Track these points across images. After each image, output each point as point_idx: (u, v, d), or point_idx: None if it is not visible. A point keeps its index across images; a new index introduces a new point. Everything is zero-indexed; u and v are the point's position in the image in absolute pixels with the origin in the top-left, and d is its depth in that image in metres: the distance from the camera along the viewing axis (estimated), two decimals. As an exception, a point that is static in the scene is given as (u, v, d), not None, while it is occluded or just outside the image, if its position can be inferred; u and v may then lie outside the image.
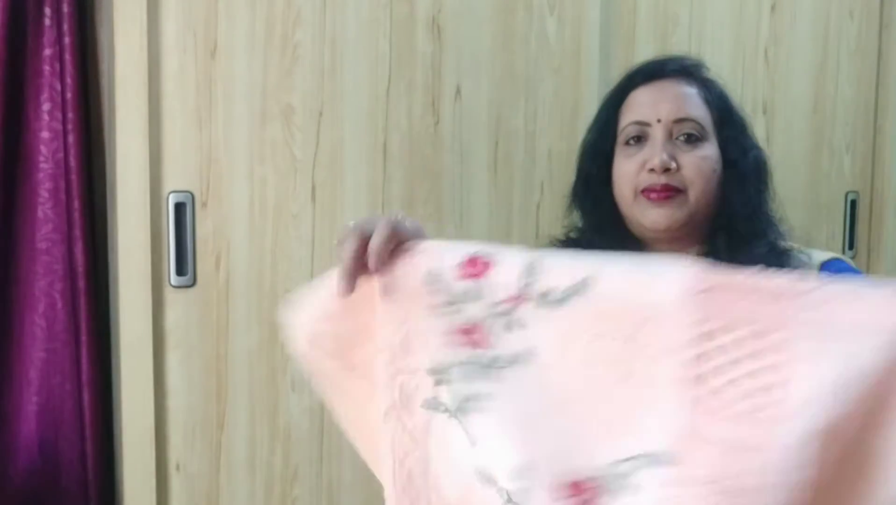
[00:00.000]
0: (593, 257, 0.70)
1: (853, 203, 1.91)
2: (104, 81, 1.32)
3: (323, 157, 1.38)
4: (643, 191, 0.98)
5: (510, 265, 0.70)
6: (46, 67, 1.25)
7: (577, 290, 0.67)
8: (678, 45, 1.65)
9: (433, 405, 0.71)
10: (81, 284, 1.28)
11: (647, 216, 0.97)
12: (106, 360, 1.33)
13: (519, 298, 0.69)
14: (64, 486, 1.30)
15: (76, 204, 1.27)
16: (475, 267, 0.70)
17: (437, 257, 0.72)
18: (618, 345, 0.65)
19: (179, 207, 1.30)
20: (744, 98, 1.74)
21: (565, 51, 1.54)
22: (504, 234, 1.51)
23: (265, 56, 1.33)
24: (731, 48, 1.72)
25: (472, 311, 0.70)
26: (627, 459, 0.63)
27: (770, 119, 1.78)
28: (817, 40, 1.83)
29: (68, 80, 1.25)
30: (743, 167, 1.00)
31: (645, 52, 1.58)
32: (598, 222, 1.04)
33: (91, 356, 1.29)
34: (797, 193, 1.81)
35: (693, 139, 0.97)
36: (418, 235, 0.76)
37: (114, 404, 1.34)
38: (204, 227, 1.32)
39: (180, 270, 1.31)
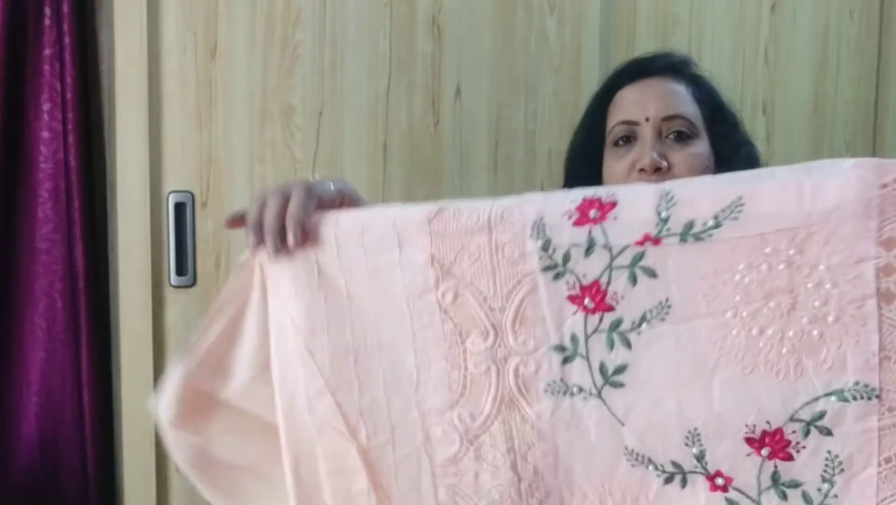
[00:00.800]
0: (744, 174, 0.62)
1: (853, 203, 1.90)
2: (104, 81, 1.32)
3: (323, 157, 1.38)
4: None
5: (640, 200, 0.61)
6: (46, 67, 1.25)
7: (728, 213, 0.58)
8: (678, 45, 1.65)
9: (561, 388, 0.64)
10: (81, 284, 1.28)
11: None
12: (106, 360, 1.33)
13: (653, 239, 0.60)
14: (64, 485, 1.30)
15: (76, 204, 1.27)
16: (596, 208, 0.61)
17: (538, 207, 0.63)
18: (779, 272, 0.57)
19: (179, 207, 1.30)
20: (744, 98, 1.74)
21: (565, 51, 1.54)
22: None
23: (265, 56, 1.33)
24: (731, 48, 1.72)
25: (587, 266, 0.62)
26: (817, 399, 0.57)
27: (770, 119, 1.78)
28: (817, 40, 1.83)
29: (68, 80, 1.25)
30: (735, 164, 0.97)
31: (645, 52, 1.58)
32: None
33: (91, 356, 1.29)
34: (797, 193, 1.81)
35: (683, 137, 0.95)
36: (347, 198, 0.74)
37: (114, 404, 1.34)
38: (204, 227, 1.32)
39: (180, 270, 1.31)
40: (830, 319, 0.56)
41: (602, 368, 0.62)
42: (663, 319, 0.60)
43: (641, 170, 0.93)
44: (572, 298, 0.62)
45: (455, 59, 1.45)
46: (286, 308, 0.70)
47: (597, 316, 0.61)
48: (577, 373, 0.63)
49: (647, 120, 0.95)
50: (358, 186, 1.39)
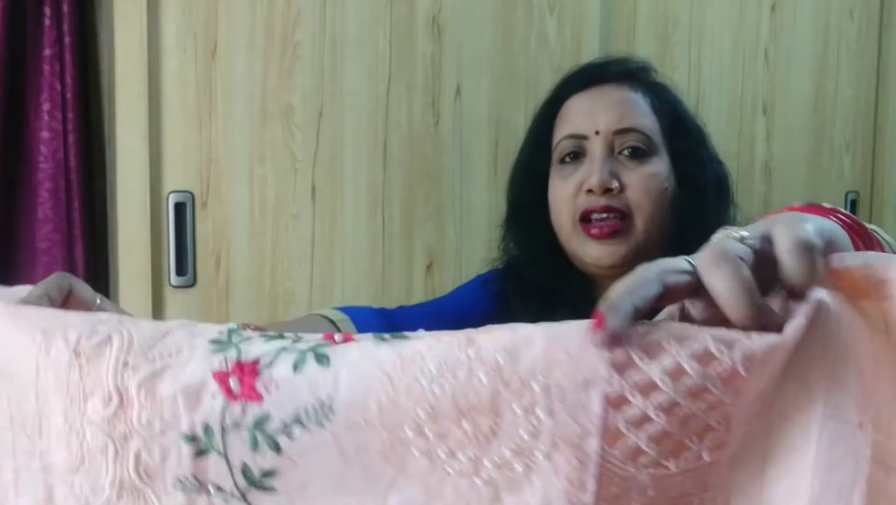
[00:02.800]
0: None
1: (853, 203, 1.91)
2: (104, 81, 1.32)
3: (323, 157, 1.38)
4: (582, 219, 0.83)
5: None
6: (46, 67, 1.25)
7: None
8: (678, 45, 1.65)
9: (194, 487, 0.50)
10: (81, 284, 1.28)
11: (588, 253, 0.83)
12: (106, 360, 1.33)
13: (343, 339, 0.50)
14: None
15: (76, 204, 1.27)
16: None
17: None
18: (480, 383, 0.45)
19: (179, 207, 1.30)
20: (744, 98, 1.74)
21: (565, 51, 1.54)
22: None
23: (265, 56, 1.33)
24: (731, 48, 1.72)
25: (260, 342, 0.51)
26: None
27: (770, 119, 1.78)
28: (817, 40, 1.83)
29: (68, 80, 1.25)
30: (700, 184, 0.85)
31: (645, 52, 1.58)
32: (535, 255, 0.90)
33: (91, 356, 1.29)
34: (797, 193, 1.81)
35: (639, 154, 0.83)
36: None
37: (114, 404, 1.34)
38: (204, 227, 1.32)
39: (180, 270, 1.31)
40: (539, 455, 0.44)
41: (245, 471, 0.49)
42: (322, 425, 0.47)
43: (589, 191, 0.82)
44: (219, 376, 0.49)
45: (455, 59, 1.45)
46: None
47: (238, 405, 0.48)
48: (215, 470, 0.50)
49: (596, 133, 0.83)
50: (358, 186, 1.40)
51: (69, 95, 1.25)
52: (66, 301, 0.59)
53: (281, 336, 0.51)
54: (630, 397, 0.41)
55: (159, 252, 1.30)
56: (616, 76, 0.88)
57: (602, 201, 0.81)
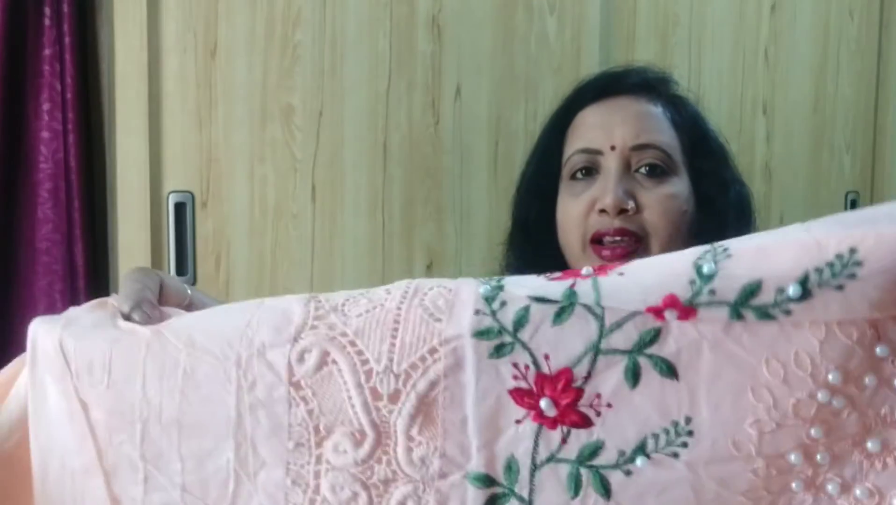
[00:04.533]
0: (852, 214, 0.37)
1: (853, 203, 1.91)
2: (104, 81, 1.32)
3: (323, 157, 1.38)
4: (593, 241, 0.76)
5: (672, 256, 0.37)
6: (46, 67, 1.25)
7: (830, 275, 0.35)
8: (678, 45, 1.65)
9: None
10: (81, 284, 1.28)
11: None
12: (106, 360, 1.33)
13: (682, 307, 0.37)
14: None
15: (76, 204, 1.27)
16: (593, 272, 0.40)
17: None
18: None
19: (179, 207, 1.30)
20: (744, 98, 1.74)
21: (565, 51, 1.54)
22: (505, 235, 1.51)
23: (265, 56, 1.33)
24: (731, 48, 1.72)
25: (556, 340, 0.38)
26: None
27: (770, 119, 1.78)
28: (817, 40, 1.83)
29: (68, 80, 1.25)
30: (721, 207, 0.79)
31: (645, 52, 1.58)
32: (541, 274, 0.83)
33: (91, 356, 1.29)
34: (797, 193, 1.81)
35: (657, 172, 0.76)
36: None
37: (114, 404, 1.34)
38: (204, 227, 1.32)
39: (180, 270, 1.31)
40: None
41: None
42: (676, 455, 0.36)
43: (602, 211, 0.75)
44: (520, 395, 0.38)
45: (455, 59, 1.45)
46: (55, 332, 0.47)
47: (558, 432, 0.38)
48: None
49: (612, 149, 0.76)
50: (358, 186, 1.40)
51: (69, 95, 1.25)
52: (159, 299, 0.51)
53: (567, 307, 0.36)
54: None
55: (159, 252, 1.30)
56: (634, 87, 0.81)
57: (616, 223, 0.74)
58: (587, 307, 0.37)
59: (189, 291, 0.55)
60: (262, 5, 1.32)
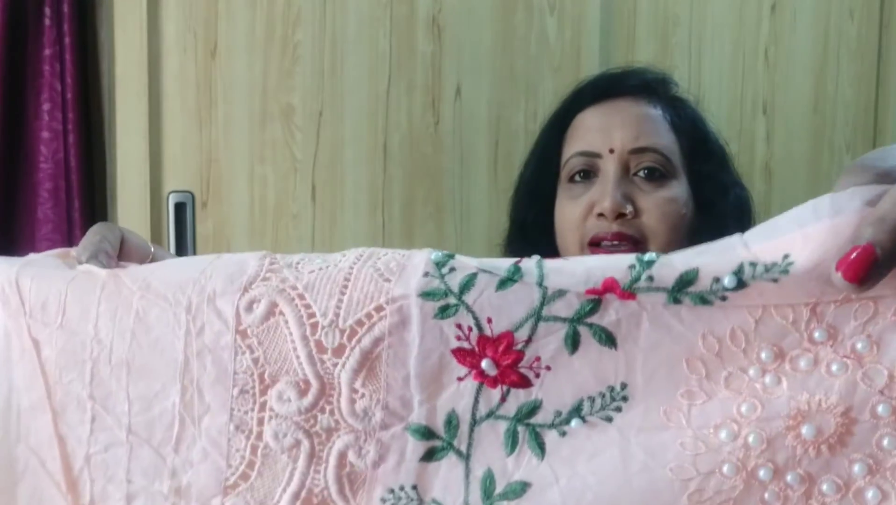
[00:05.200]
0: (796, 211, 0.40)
1: (853, 203, 1.90)
2: (104, 81, 1.32)
3: (323, 157, 1.38)
4: (591, 244, 0.75)
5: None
6: (46, 67, 1.25)
7: (765, 270, 0.36)
8: (678, 46, 1.65)
9: (410, 500, 0.41)
10: (81, 284, 1.28)
11: None
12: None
13: (620, 291, 0.38)
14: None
15: (76, 204, 1.27)
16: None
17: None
18: (830, 374, 0.37)
19: (179, 207, 1.30)
20: (744, 98, 1.74)
21: (565, 51, 1.54)
22: (503, 236, 1.51)
23: (265, 56, 1.33)
24: (731, 48, 1.72)
25: (500, 305, 0.40)
26: None
27: (770, 119, 1.78)
28: (817, 40, 1.83)
29: (68, 80, 1.25)
30: (721, 210, 0.78)
31: (645, 52, 1.58)
32: None
33: (91, 356, 1.29)
34: (797, 193, 1.81)
35: (656, 175, 0.75)
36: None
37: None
38: (204, 228, 1.32)
39: (180, 270, 1.31)
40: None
41: (487, 481, 0.39)
42: (609, 419, 0.38)
43: (600, 214, 0.75)
44: (462, 354, 0.39)
45: (455, 59, 1.45)
46: (10, 269, 0.47)
47: (498, 391, 0.39)
48: (444, 479, 0.39)
49: (611, 152, 0.76)
50: (358, 187, 1.40)
51: (69, 95, 1.25)
52: (120, 254, 0.51)
53: (511, 277, 0.39)
54: None
55: (159, 252, 1.30)
56: (633, 89, 0.80)
57: (614, 227, 0.73)
58: (532, 279, 0.39)
59: (152, 249, 0.54)
60: (262, 5, 1.32)
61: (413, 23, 1.42)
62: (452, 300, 0.39)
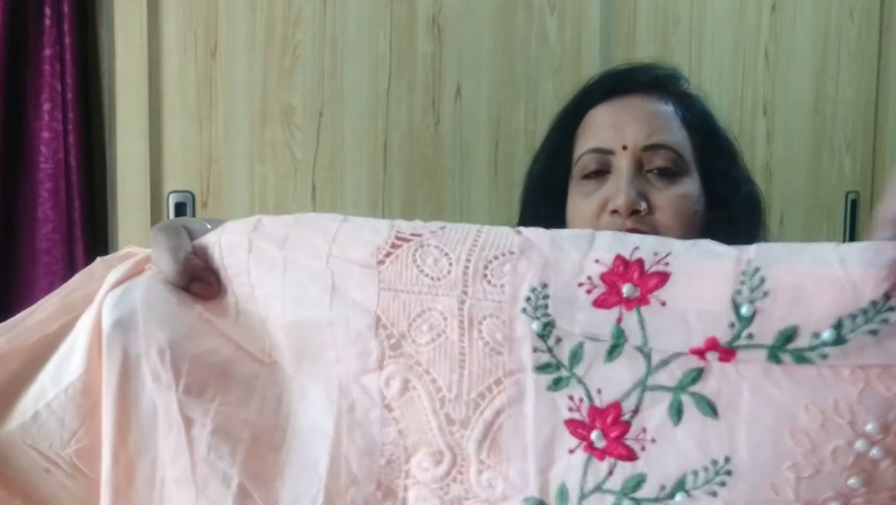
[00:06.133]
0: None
1: (853, 203, 1.91)
2: (104, 81, 1.32)
3: (323, 157, 1.38)
4: None
5: (709, 276, 0.38)
6: (46, 67, 1.25)
7: (864, 320, 0.35)
8: (678, 45, 1.65)
9: None
10: (81, 284, 1.27)
11: None
12: (106, 360, 1.33)
13: (722, 349, 0.37)
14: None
15: (76, 204, 1.27)
16: (633, 280, 0.39)
17: (540, 267, 0.41)
18: None
19: (180, 207, 1.30)
20: (744, 98, 1.74)
21: (565, 51, 1.54)
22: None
23: (265, 56, 1.33)
24: (731, 48, 1.72)
25: (608, 376, 0.39)
26: None
27: (770, 119, 1.78)
28: (817, 40, 1.83)
29: (68, 80, 1.25)
30: (733, 206, 0.78)
31: (645, 52, 1.58)
32: None
33: (91, 356, 1.29)
34: (797, 193, 1.81)
35: (669, 172, 0.76)
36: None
37: (114, 404, 1.34)
38: (204, 228, 1.32)
39: (180, 270, 1.31)
40: None
41: None
42: (714, 494, 0.37)
43: (614, 211, 0.74)
44: (574, 425, 0.40)
45: (455, 59, 1.45)
46: (155, 335, 0.46)
47: (605, 464, 0.39)
48: None
49: (624, 149, 0.76)
50: (358, 187, 1.40)
51: (69, 95, 1.25)
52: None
53: (616, 346, 0.39)
54: None
55: (159, 252, 1.30)
56: (644, 86, 0.80)
57: (628, 224, 0.73)
58: (636, 347, 0.39)
59: (207, 225, 0.52)
60: (262, 5, 1.32)
61: (413, 23, 1.42)
62: (564, 373, 0.40)
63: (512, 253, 0.42)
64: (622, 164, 0.76)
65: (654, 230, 0.74)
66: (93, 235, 1.31)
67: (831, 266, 0.36)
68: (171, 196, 1.30)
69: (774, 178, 1.78)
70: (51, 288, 1.28)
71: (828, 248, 0.37)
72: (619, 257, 0.39)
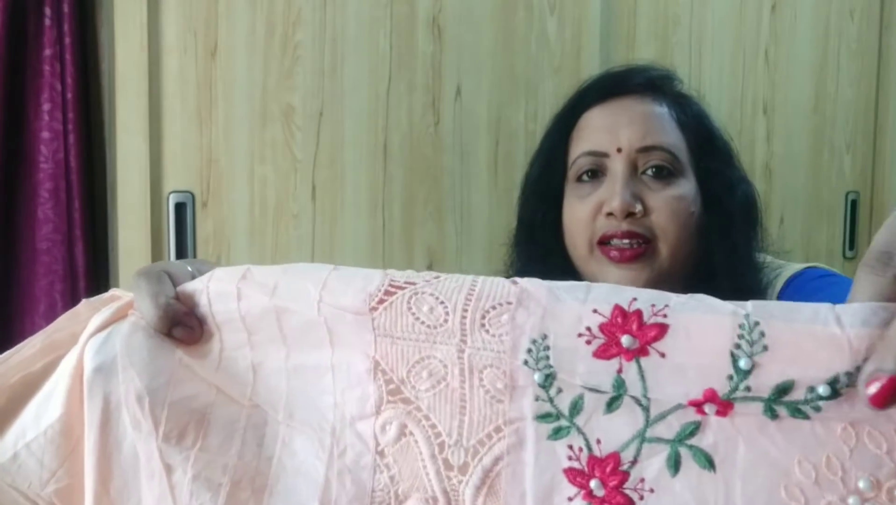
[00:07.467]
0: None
1: (853, 203, 1.91)
2: (104, 81, 1.32)
3: (323, 157, 1.38)
4: (601, 242, 0.76)
5: (707, 329, 0.38)
6: (46, 67, 1.25)
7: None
8: (678, 46, 1.65)
9: None
10: (82, 284, 1.27)
11: (607, 277, 0.74)
12: (106, 360, 1.33)
13: (720, 401, 0.38)
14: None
15: (76, 204, 1.27)
16: (631, 331, 0.39)
17: (539, 317, 0.41)
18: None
19: (180, 207, 1.30)
20: (744, 98, 1.74)
21: (565, 51, 1.54)
22: (505, 235, 1.51)
23: (265, 56, 1.33)
24: (731, 48, 1.72)
25: (607, 427, 0.40)
26: None
27: (770, 119, 1.78)
28: (817, 40, 1.83)
29: (68, 80, 1.25)
30: (729, 207, 0.78)
31: (645, 52, 1.59)
32: (548, 276, 0.79)
33: (91, 356, 1.29)
34: (797, 193, 1.81)
35: (664, 174, 0.76)
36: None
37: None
38: (204, 228, 1.32)
39: (180, 270, 1.31)
40: None
41: None
42: None
43: (610, 214, 0.75)
44: (573, 474, 0.41)
45: (455, 59, 1.45)
46: (134, 383, 0.47)
47: None
48: None
49: (618, 151, 0.76)
50: (358, 187, 1.40)
51: (69, 95, 1.25)
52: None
53: (616, 397, 0.40)
54: None
55: (160, 252, 1.30)
56: (638, 87, 0.80)
57: (623, 226, 0.74)
58: (635, 399, 0.40)
59: (189, 268, 0.53)
60: (262, 5, 1.32)
61: (413, 23, 1.42)
62: (564, 423, 0.41)
63: (509, 303, 0.42)
64: (617, 167, 0.76)
65: (650, 232, 0.74)
66: (93, 236, 1.31)
67: (828, 325, 0.36)
68: (171, 196, 1.30)
69: (774, 178, 1.78)
70: (50, 288, 1.28)
71: (824, 308, 0.37)
72: (617, 308, 0.40)
